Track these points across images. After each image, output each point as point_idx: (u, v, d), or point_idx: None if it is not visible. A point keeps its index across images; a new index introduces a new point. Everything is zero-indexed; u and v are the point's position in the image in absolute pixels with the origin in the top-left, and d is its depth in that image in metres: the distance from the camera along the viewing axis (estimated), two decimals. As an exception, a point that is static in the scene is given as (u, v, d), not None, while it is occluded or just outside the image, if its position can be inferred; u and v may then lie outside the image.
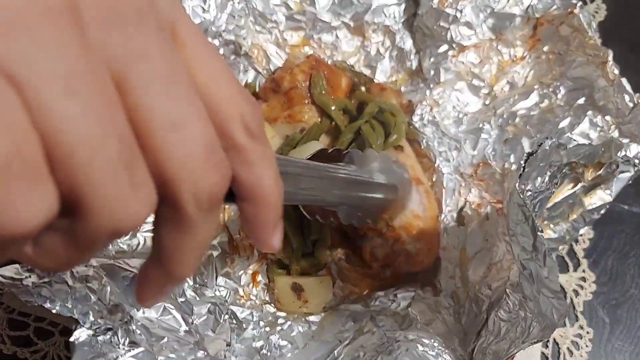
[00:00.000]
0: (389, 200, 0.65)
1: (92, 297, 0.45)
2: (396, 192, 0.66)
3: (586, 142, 0.71)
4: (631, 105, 0.71)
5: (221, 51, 0.84)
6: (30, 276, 0.45)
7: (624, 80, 0.71)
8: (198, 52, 0.28)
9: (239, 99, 0.29)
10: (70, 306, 0.44)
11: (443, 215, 0.77)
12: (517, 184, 0.55)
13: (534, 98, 0.81)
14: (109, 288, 0.51)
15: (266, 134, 0.75)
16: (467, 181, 0.79)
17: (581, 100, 0.76)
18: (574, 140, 0.72)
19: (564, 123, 0.75)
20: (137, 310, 0.53)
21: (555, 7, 0.80)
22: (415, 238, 0.70)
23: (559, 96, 0.79)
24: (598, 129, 0.73)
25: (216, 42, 0.83)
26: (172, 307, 0.56)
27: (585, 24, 0.76)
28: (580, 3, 0.78)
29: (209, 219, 0.27)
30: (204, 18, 0.80)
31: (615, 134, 0.71)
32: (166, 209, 0.26)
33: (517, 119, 0.80)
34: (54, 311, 0.44)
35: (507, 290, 0.59)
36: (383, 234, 0.70)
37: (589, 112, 0.74)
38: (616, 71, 0.73)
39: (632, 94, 0.71)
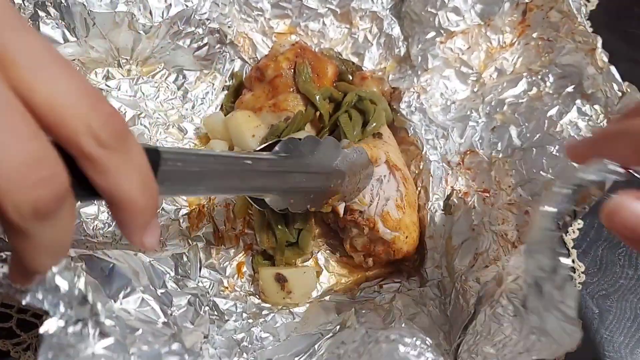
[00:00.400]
0: (328, 186, 0.64)
1: (63, 288, 0.45)
2: (342, 177, 0.65)
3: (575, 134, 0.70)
4: (620, 94, 0.70)
5: (205, 40, 0.83)
6: (2, 266, 0.45)
7: (613, 68, 0.70)
8: (35, 72, 0.30)
9: (86, 112, 0.31)
10: (40, 297, 0.44)
11: (430, 204, 0.76)
12: (546, 206, 0.54)
13: (522, 85, 0.80)
14: (83, 279, 0.50)
15: (248, 123, 0.74)
16: (454, 169, 0.79)
17: (570, 89, 0.74)
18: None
19: (553, 111, 0.74)
20: (115, 302, 0.53)
21: None
22: (392, 226, 0.70)
23: (548, 84, 0.77)
24: (587, 118, 0.72)
25: (200, 30, 0.82)
26: (151, 298, 0.55)
27: (575, 9, 0.75)
28: None
29: (46, 225, 0.30)
30: (186, 6, 0.79)
31: (604, 123, 0.70)
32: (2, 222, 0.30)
33: (505, 107, 0.79)
34: (23, 302, 0.43)
35: (502, 293, 0.57)
36: (358, 223, 0.70)
37: (578, 101, 0.73)
38: (605, 59, 0.71)
39: (620, 83, 0.69)
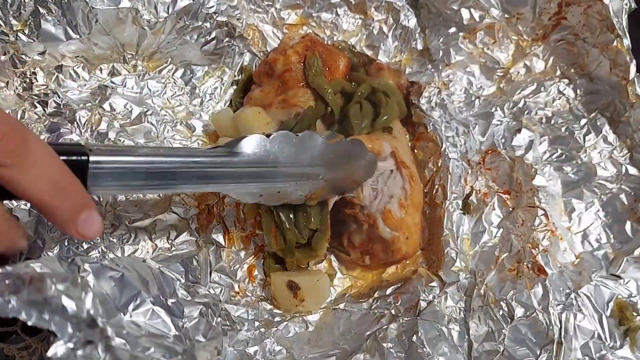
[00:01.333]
0: (301, 180, 0.64)
1: (70, 308, 0.44)
2: (319, 171, 0.65)
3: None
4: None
5: (213, 34, 0.81)
6: (5, 279, 0.44)
7: None
8: None
9: None
10: (47, 317, 0.43)
11: (447, 202, 0.74)
12: None
13: (552, 92, 0.80)
14: (90, 295, 0.49)
15: (258, 120, 0.73)
16: (474, 168, 0.77)
17: (600, 109, 0.77)
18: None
19: (578, 131, 0.77)
20: (124, 315, 0.52)
21: None
22: (392, 225, 0.68)
23: (579, 97, 0.79)
24: (610, 148, 0.76)
25: (207, 24, 0.80)
26: (162, 310, 0.54)
27: (615, 16, 0.74)
28: None
29: None
30: (193, 0, 0.77)
31: (627, 158, 0.74)
32: None
33: (533, 113, 0.79)
34: (29, 323, 0.43)
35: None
36: (357, 218, 0.68)
37: (606, 126, 0.76)
38: (638, 89, 0.72)
39: None
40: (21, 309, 0.43)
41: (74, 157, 0.46)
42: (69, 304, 0.45)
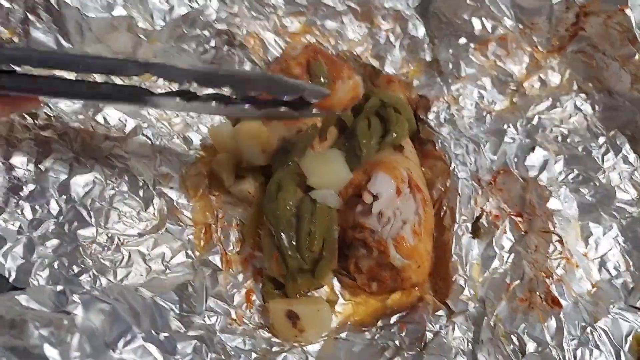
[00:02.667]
0: None
1: (51, 359, 0.42)
2: None
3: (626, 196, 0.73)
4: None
5: (212, 43, 0.79)
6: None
7: None
8: None
9: None
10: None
11: (456, 226, 0.72)
12: None
13: (569, 107, 0.78)
14: (77, 335, 0.48)
15: (259, 136, 0.71)
16: (484, 189, 0.74)
17: (619, 127, 0.76)
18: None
19: (597, 150, 0.75)
20: (114, 352, 0.51)
21: None
22: (404, 253, 0.66)
23: (597, 114, 0.77)
24: (631, 169, 0.74)
25: (206, 33, 0.78)
26: (153, 347, 0.52)
27: (637, 27, 0.72)
28: (631, 1, 0.73)
29: None
30: (191, 7, 0.75)
31: None
32: None
33: (548, 130, 0.77)
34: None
35: None
36: (367, 243, 0.66)
37: (626, 146, 0.74)
38: None
39: None
40: (2, 355, 0.42)
41: None
42: (52, 354, 0.44)
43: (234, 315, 0.68)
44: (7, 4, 0.70)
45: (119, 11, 0.72)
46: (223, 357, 0.59)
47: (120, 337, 0.52)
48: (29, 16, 0.70)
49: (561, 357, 0.59)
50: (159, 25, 0.74)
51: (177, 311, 0.61)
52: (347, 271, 0.72)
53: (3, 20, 0.70)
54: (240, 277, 0.72)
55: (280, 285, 0.71)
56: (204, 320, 0.64)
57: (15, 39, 0.71)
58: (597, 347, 0.60)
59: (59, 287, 0.54)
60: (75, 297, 0.52)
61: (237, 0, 0.79)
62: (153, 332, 0.55)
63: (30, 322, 0.45)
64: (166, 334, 0.56)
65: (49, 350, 0.43)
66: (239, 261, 0.73)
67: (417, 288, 0.71)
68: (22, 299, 0.52)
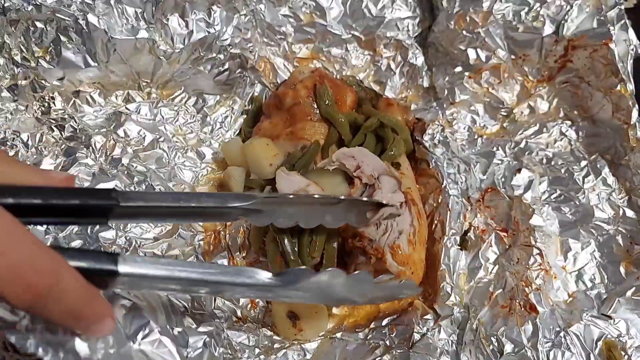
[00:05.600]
0: None
1: (82, 352, 0.50)
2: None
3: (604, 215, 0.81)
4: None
5: (226, 65, 0.89)
6: (24, 317, 0.50)
7: None
8: None
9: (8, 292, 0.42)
10: (61, 357, 0.49)
11: (446, 238, 0.80)
12: None
13: (555, 133, 0.87)
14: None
15: (266, 152, 0.80)
16: (473, 206, 0.83)
17: (601, 152, 0.85)
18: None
19: (578, 172, 0.84)
20: (133, 344, 0.59)
21: (590, 32, 0.84)
22: (400, 260, 0.74)
23: (580, 139, 0.86)
24: (609, 190, 0.82)
25: (221, 56, 0.88)
26: (168, 340, 0.60)
27: (620, 61, 0.81)
28: (615, 36, 0.82)
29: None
30: (208, 32, 0.85)
31: (625, 200, 0.81)
32: None
33: (534, 153, 0.86)
34: None
35: None
36: (366, 251, 0.74)
37: (606, 169, 0.83)
38: (639, 134, 0.79)
39: None
40: (39, 346, 0.49)
41: (105, 275, 0.51)
42: (82, 348, 0.52)
43: (239, 315, 0.77)
44: (41, 25, 0.79)
45: (142, 34, 0.82)
46: (230, 351, 0.68)
47: (139, 330, 0.59)
48: (61, 37, 0.80)
49: (535, 358, 0.67)
50: (178, 48, 0.84)
51: (189, 309, 0.70)
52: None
53: (37, 40, 0.80)
54: (246, 281, 0.81)
55: (283, 288, 0.79)
56: (213, 319, 0.72)
57: (47, 57, 0.81)
58: (569, 350, 0.68)
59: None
60: (100, 293, 0.61)
61: (250, 27, 0.89)
62: (168, 327, 0.63)
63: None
64: (179, 329, 0.65)
65: (79, 345, 0.51)
66: (245, 265, 0.82)
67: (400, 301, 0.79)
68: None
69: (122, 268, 0.51)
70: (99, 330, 0.51)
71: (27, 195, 0.48)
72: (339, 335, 0.75)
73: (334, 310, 0.80)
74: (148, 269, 0.53)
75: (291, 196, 0.71)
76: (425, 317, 0.75)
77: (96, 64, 0.82)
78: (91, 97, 0.85)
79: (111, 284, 0.52)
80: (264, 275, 0.59)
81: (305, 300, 0.63)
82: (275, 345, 0.73)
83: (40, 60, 0.80)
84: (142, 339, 0.58)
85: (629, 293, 0.73)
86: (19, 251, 0.42)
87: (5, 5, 0.75)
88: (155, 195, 0.62)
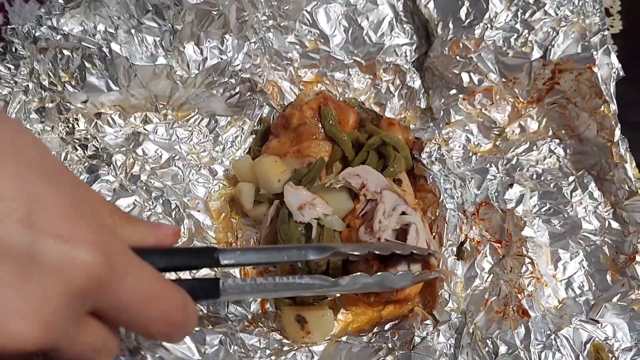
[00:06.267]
0: None
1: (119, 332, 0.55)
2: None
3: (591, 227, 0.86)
4: (628, 192, 0.84)
5: (237, 89, 0.95)
6: None
7: (627, 166, 0.84)
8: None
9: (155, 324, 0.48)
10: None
11: (443, 249, 0.85)
12: None
13: (544, 151, 0.93)
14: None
15: (275, 168, 0.85)
16: (469, 219, 0.88)
17: (587, 168, 0.90)
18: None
19: (566, 187, 0.89)
20: (156, 341, 0.63)
21: (575, 56, 0.89)
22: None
23: (568, 156, 0.92)
24: (596, 203, 0.87)
25: (233, 80, 0.93)
26: (187, 337, 0.65)
27: (603, 83, 0.86)
28: (598, 60, 0.87)
29: None
30: (221, 58, 0.91)
31: (610, 213, 0.86)
32: None
33: (525, 169, 0.91)
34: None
35: None
36: (368, 260, 0.78)
37: (592, 184, 0.88)
38: (622, 152, 0.85)
39: (632, 180, 0.83)
40: None
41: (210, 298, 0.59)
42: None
43: (250, 319, 0.81)
44: (68, 53, 0.85)
45: (160, 61, 0.88)
46: (243, 350, 0.72)
47: None
48: (86, 63, 0.86)
49: (528, 359, 0.72)
50: (194, 73, 0.90)
51: (205, 311, 0.74)
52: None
53: (63, 66, 0.86)
54: (256, 289, 0.85)
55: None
56: (227, 322, 0.77)
57: (73, 82, 0.87)
58: (559, 351, 0.72)
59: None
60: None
61: (259, 54, 0.95)
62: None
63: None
64: (197, 328, 0.69)
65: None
66: (256, 274, 0.87)
67: (409, 302, 0.84)
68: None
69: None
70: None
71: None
72: (344, 338, 0.79)
73: (339, 316, 0.85)
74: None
75: (355, 253, 0.76)
76: (425, 322, 0.79)
77: (118, 88, 0.87)
78: (112, 118, 0.91)
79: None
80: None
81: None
82: (285, 348, 0.78)
83: (66, 84, 0.86)
84: (164, 336, 0.63)
85: (615, 299, 0.77)
86: (170, 298, 0.47)
87: (36, 35, 0.81)
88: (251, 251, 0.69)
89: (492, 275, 0.82)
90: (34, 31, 0.82)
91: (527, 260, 0.81)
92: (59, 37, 0.83)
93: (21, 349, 0.36)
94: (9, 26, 0.82)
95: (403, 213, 0.81)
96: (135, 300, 0.43)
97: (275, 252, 0.65)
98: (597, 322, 0.76)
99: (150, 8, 0.84)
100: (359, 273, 0.70)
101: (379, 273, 0.72)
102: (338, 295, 0.85)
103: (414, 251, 0.77)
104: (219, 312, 0.77)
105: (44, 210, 0.38)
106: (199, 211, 0.89)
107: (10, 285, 0.36)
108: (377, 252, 0.75)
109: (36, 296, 0.37)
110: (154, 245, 0.51)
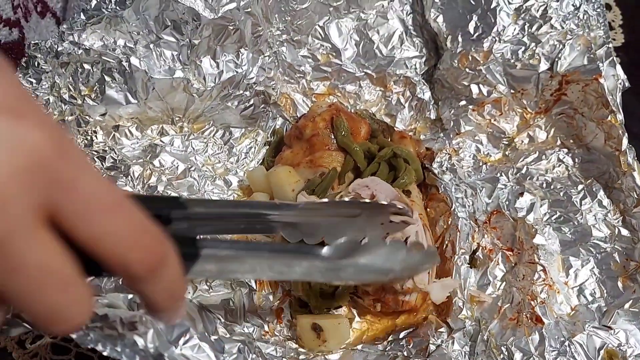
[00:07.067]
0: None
1: (140, 343, 0.55)
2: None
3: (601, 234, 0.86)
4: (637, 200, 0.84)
5: (251, 101, 0.96)
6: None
7: (636, 174, 0.84)
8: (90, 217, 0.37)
9: (125, 251, 0.39)
10: (119, 349, 0.54)
11: (456, 257, 0.85)
12: None
13: (552, 160, 0.93)
14: (151, 331, 0.60)
15: (289, 178, 0.85)
16: (480, 227, 0.88)
17: (595, 176, 0.90)
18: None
19: (576, 195, 0.89)
20: (175, 348, 0.63)
21: (581, 68, 0.89)
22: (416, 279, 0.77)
23: (577, 165, 0.92)
24: (605, 211, 0.87)
25: (247, 93, 0.94)
26: (206, 345, 0.65)
27: (609, 94, 0.86)
28: (604, 72, 0.87)
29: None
30: (236, 72, 0.91)
31: (620, 221, 0.86)
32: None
33: (535, 178, 0.91)
34: (105, 353, 0.53)
35: None
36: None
37: (601, 192, 0.88)
38: (630, 160, 0.85)
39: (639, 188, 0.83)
40: (98, 340, 0.53)
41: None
42: (139, 340, 0.56)
43: (266, 329, 0.81)
44: (88, 67, 0.85)
45: (178, 74, 0.88)
46: (260, 358, 0.72)
47: (181, 336, 0.63)
48: (105, 77, 0.86)
49: (543, 365, 0.71)
50: (210, 86, 0.90)
51: (223, 320, 0.74)
52: (357, 292, 0.84)
53: (84, 80, 0.86)
54: (271, 297, 0.85)
55: (305, 304, 0.83)
56: (244, 330, 0.77)
57: (92, 95, 0.87)
58: (574, 357, 0.72)
59: (129, 295, 0.67)
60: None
61: (273, 67, 0.96)
62: (206, 334, 0.68)
63: (117, 317, 0.58)
64: (216, 337, 0.69)
65: (137, 337, 0.55)
66: (271, 283, 0.86)
67: (415, 313, 0.83)
68: (104, 302, 0.66)
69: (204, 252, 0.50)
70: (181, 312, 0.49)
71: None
72: (359, 347, 0.79)
73: (354, 324, 0.84)
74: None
75: (318, 202, 0.71)
76: (439, 330, 0.79)
77: (136, 101, 0.88)
78: (129, 130, 0.91)
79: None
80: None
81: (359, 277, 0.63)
82: (301, 357, 0.77)
83: (85, 97, 0.86)
84: (184, 344, 0.62)
85: (627, 305, 0.77)
86: (140, 218, 0.40)
87: (59, 49, 0.82)
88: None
89: (504, 282, 0.82)
90: (56, 46, 0.82)
91: (539, 267, 0.81)
92: (80, 51, 0.83)
93: None
94: (31, 42, 0.83)
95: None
96: (94, 205, 0.37)
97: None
98: (610, 328, 0.75)
99: (169, 24, 0.85)
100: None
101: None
102: (353, 305, 0.85)
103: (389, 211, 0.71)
104: (237, 320, 0.77)
105: None
106: (213, 222, 0.88)
107: None
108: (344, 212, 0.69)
109: None
110: None
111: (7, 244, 0.33)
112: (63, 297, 0.36)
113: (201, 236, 0.52)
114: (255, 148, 0.98)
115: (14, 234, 0.34)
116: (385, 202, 0.73)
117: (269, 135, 0.99)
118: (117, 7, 0.83)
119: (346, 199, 0.85)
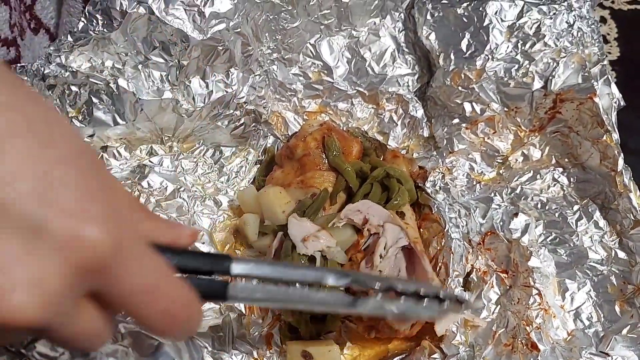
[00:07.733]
0: None
1: None
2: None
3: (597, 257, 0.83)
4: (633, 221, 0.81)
5: (242, 121, 0.93)
6: (64, 353, 0.53)
7: (632, 195, 0.81)
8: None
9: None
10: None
11: (449, 280, 0.82)
12: None
13: (547, 180, 0.90)
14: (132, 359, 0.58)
15: (279, 199, 0.82)
16: (474, 248, 0.85)
17: (591, 197, 0.87)
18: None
19: (571, 216, 0.86)
20: (159, 378, 0.61)
21: (575, 86, 0.87)
22: None
23: (572, 185, 0.89)
24: (601, 232, 0.84)
25: (237, 112, 0.92)
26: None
27: (604, 113, 0.84)
28: (599, 91, 0.85)
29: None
30: (226, 92, 0.89)
31: (616, 242, 0.83)
32: None
33: (529, 198, 0.88)
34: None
35: None
36: (369, 294, 0.75)
37: (597, 213, 0.85)
38: (626, 180, 0.82)
39: (637, 210, 0.80)
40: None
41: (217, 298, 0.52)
42: None
43: (255, 355, 0.78)
44: (75, 89, 0.83)
45: (167, 95, 0.86)
46: (249, 390, 0.70)
47: None
48: (93, 99, 0.83)
49: (538, 394, 0.69)
50: (199, 107, 0.88)
51: (210, 348, 0.72)
52: (351, 318, 0.82)
53: (71, 102, 0.84)
54: (261, 321, 0.82)
55: (295, 329, 0.81)
56: (232, 358, 0.74)
57: (80, 117, 0.85)
58: (570, 386, 0.69)
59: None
60: (124, 331, 0.63)
61: (264, 86, 0.93)
62: (191, 364, 0.65)
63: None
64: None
65: None
66: (260, 308, 0.84)
67: (408, 341, 0.80)
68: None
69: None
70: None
71: None
72: (350, 375, 0.77)
73: (345, 350, 0.82)
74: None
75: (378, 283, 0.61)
76: (432, 356, 0.76)
77: (124, 122, 0.85)
78: (118, 151, 0.89)
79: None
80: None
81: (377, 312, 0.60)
82: (291, 384, 0.75)
83: (73, 119, 0.84)
84: (169, 375, 0.60)
85: (624, 331, 0.74)
86: (175, 293, 0.43)
87: (45, 72, 0.80)
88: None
89: (499, 306, 0.79)
90: (42, 68, 0.80)
91: (535, 291, 0.78)
92: (67, 73, 0.81)
93: (17, 323, 0.35)
94: (18, 64, 0.81)
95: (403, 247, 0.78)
96: (138, 289, 0.41)
97: (290, 269, 0.60)
98: (607, 355, 0.73)
99: (157, 45, 0.83)
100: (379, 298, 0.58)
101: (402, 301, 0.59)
102: (344, 330, 0.82)
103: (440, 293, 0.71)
104: (225, 347, 0.74)
105: (59, 188, 0.37)
106: (203, 243, 0.86)
107: (16, 257, 0.35)
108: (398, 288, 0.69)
109: (40, 270, 0.35)
110: (170, 243, 0.48)
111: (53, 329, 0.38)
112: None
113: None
114: (246, 167, 0.96)
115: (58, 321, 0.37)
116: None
117: (260, 154, 0.97)
118: (105, 30, 0.80)
119: (339, 225, 0.82)
